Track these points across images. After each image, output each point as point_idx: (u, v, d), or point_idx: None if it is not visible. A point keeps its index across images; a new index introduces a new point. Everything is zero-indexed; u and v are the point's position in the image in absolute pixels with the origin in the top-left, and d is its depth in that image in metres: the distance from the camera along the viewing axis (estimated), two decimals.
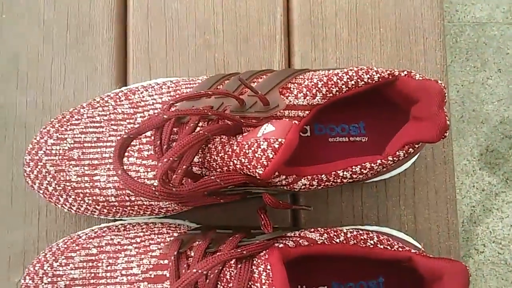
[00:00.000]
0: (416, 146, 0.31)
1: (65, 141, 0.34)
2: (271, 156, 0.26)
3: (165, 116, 0.28)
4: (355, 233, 0.31)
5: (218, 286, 0.28)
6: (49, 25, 0.41)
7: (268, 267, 0.26)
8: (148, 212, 0.35)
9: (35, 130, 0.39)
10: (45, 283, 0.33)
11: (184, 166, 0.28)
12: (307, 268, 0.35)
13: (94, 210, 0.35)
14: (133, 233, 0.34)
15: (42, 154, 0.34)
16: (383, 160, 0.31)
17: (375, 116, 0.37)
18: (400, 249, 0.30)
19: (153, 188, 0.27)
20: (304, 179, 0.30)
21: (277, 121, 0.28)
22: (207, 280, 0.29)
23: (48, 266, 0.33)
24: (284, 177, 0.29)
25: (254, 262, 0.27)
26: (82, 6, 0.42)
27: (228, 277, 0.28)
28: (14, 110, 0.40)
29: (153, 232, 0.34)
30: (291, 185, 0.30)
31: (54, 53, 0.41)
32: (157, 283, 0.31)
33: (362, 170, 0.31)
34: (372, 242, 0.30)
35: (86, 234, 0.34)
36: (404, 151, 0.31)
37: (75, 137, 0.35)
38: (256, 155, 0.27)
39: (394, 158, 0.31)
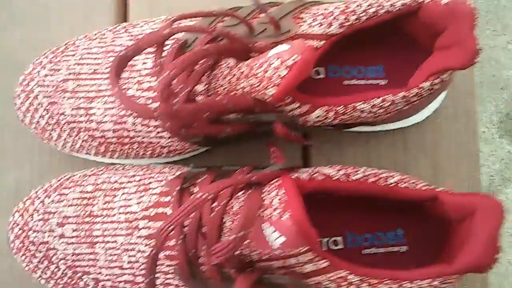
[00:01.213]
0: (442, 77, 0.28)
1: (59, 72, 0.32)
2: (284, 73, 0.24)
3: (165, 32, 0.25)
4: (375, 171, 0.28)
5: (224, 219, 0.26)
6: None
7: (281, 192, 0.24)
8: (149, 153, 0.32)
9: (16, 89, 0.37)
10: (36, 220, 0.30)
11: (188, 88, 0.25)
12: (320, 218, 0.32)
13: (90, 147, 0.32)
14: (132, 172, 0.31)
15: (35, 85, 0.32)
16: (405, 94, 0.28)
17: (394, 58, 0.35)
18: (425, 187, 0.28)
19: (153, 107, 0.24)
20: (319, 110, 0.27)
21: (292, 41, 0.25)
22: (212, 214, 0.26)
23: (40, 203, 0.30)
24: (298, 105, 0.27)
25: (264, 189, 0.25)
26: None
27: (235, 209, 0.26)
28: (7, 47, 0.37)
29: (153, 171, 0.31)
30: (304, 117, 0.27)
31: None
32: (157, 221, 0.29)
33: (383, 103, 0.28)
34: (393, 180, 0.28)
35: (82, 172, 0.32)
36: (429, 83, 0.28)
37: (70, 68, 0.32)
38: (267, 74, 0.24)
39: (418, 91, 0.28)
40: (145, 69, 0.31)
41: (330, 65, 0.35)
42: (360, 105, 0.28)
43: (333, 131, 0.36)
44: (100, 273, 0.30)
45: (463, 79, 0.39)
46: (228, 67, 0.26)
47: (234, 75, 0.26)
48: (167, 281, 0.29)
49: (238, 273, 0.26)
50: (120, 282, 0.30)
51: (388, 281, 0.27)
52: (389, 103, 0.28)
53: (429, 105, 0.35)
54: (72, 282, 0.31)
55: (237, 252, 0.26)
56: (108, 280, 0.30)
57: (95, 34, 0.33)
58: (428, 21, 0.29)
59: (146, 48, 0.26)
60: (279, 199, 0.23)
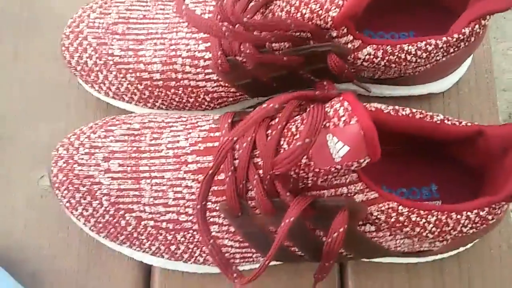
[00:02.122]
0: (483, 22, 0.29)
1: (109, 16, 0.32)
2: None
3: None
4: (421, 110, 0.29)
5: (281, 142, 0.26)
6: None
7: (345, 103, 0.24)
8: (191, 100, 0.33)
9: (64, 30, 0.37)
10: (81, 154, 0.30)
11: (249, 15, 0.26)
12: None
13: (134, 92, 0.32)
14: (177, 115, 0.32)
15: (84, 26, 0.32)
16: (448, 38, 0.30)
17: (424, 25, 0.37)
18: (469, 124, 0.29)
19: (220, 24, 0.25)
20: (370, 47, 0.29)
21: None
22: (268, 138, 0.26)
23: (86, 138, 0.30)
24: (351, 38, 0.28)
25: (327, 104, 0.25)
26: None
27: (293, 130, 0.26)
28: (48, 5, 0.38)
29: (199, 114, 0.31)
30: (356, 53, 0.29)
31: None
32: (206, 155, 0.29)
33: (427, 46, 0.30)
34: (439, 118, 0.29)
35: (127, 114, 0.32)
36: (470, 28, 0.30)
37: (120, 13, 0.33)
38: None
39: (458, 36, 0.30)
40: None
41: (366, 30, 0.36)
42: (406, 46, 0.29)
43: None
44: (143, 211, 0.29)
45: (482, 57, 0.42)
46: (284, 1, 0.28)
47: (293, 4, 0.27)
48: (211, 219, 0.29)
49: (293, 197, 0.26)
50: (163, 221, 0.30)
51: (437, 212, 0.27)
52: (432, 46, 0.30)
53: (454, 72, 0.37)
54: (113, 221, 0.30)
55: (293, 175, 0.26)
56: (151, 219, 0.30)
57: None
58: None
59: None
60: (344, 109, 0.24)
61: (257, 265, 0.33)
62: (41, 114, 0.36)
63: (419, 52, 0.30)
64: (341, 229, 0.25)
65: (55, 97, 0.36)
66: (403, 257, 0.32)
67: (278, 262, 0.33)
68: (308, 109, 0.24)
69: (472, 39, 0.31)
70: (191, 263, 0.31)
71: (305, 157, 0.25)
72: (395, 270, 0.35)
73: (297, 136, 0.25)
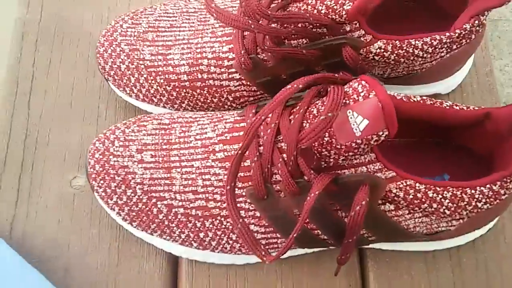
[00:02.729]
0: (481, 18, 0.32)
1: (140, 25, 0.36)
2: None
3: None
4: (430, 98, 0.31)
5: (304, 124, 0.28)
6: None
7: (363, 82, 0.26)
8: (216, 100, 0.35)
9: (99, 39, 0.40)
10: (116, 147, 0.32)
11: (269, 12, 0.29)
12: None
13: (162, 93, 0.35)
14: (203, 112, 0.34)
15: (117, 35, 0.35)
16: (451, 33, 0.33)
17: (426, 29, 0.40)
18: (477, 107, 0.31)
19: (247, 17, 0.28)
20: (380, 42, 0.31)
21: None
22: (291, 122, 0.29)
23: (120, 132, 0.32)
24: (363, 32, 0.31)
25: (346, 86, 0.27)
26: None
27: (315, 112, 0.28)
28: (80, 23, 0.41)
29: (224, 111, 0.34)
30: (367, 47, 0.31)
31: None
32: (232, 144, 0.31)
33: (432, 41, 0.32)
34: (448, 104, 0.31)
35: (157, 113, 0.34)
36: (470, 24, 0.33)
37: (150, 23, 0.36)
38: None
39: (461, 31, 0.33)
40: (217, 22, 0.35)
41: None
42: (413, 41, 0.32)
43: None
44: (174, 198, 0.31)
45: (483, 61, 0.44)
46: (302, 2, 0.31)
47: (310, 3, 0.30)
48: (238, 204, 0.31)
49: (316, 175, 0.28)
50: (192, 208, 0.31)
51: (452, 188, 0.29)
52: (437, 41, 0.32)
53: (457, 73, 0.40)
54: (146, 209, 0.31)
55: (316, 153, 0.28)
56: (181, 206, 0.31)
57: (169, 2, 0.37)
58: None
59: None
60: (363, 86, 0.26)
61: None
62: (73, 119, 0.38)
63: (425, 47, 0.33)
64: (363, 202, 0.27)
65: (86, 104, 0.39)
66: (422, 240, 0.33)
67: (300, 252, 0.35)
68: (329, 89, 0.27)
69: (473, 36, 0.34)
70: (218, 252, 0.33)
71: (327, 135, 0.27)
72: (413, 260, 0.36)
73: (319, 117, 0.28)
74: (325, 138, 0.27)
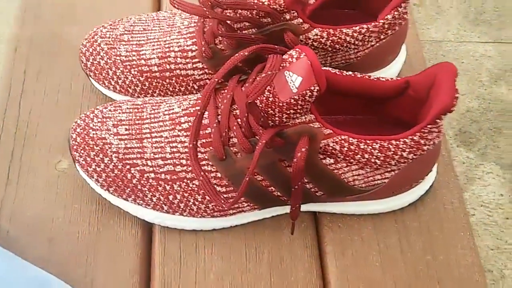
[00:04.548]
0: (400, 10, 0.39)
1: (117, 29, 0.42)
2: None
3: None
4: (360, 73, 0.37)
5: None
6: None
7: (297, 48, 0.32)
8: (183, 88, 0.41)
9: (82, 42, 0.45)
10: (95, 122, 0.37)
11: None
12: None
13: (136, 84, 0.41)
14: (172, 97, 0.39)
15: (98, 37, 0.42)
16: (376, 23, 0.39)
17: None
18: (398, 78, 0.36)
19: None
20: (316, 29, 0.38)
21: None
22: (243, 90, 0.34)
23: (98, 112, 0.38)
24: (301, 21, 0.37)
25: (284, 55, 0.33)
26: None
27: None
28: (68, 38, 0.48)
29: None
30: (306, 34, 0.38)
31: None
32: (194, 116, 0.36)
33: (361, 29, 0.39)
34: (374, 77, 0.37)
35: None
36: (391, 15, 0.39)
37: (126, 28, 0.42)
38: None
39: (385, 22, 0.39)
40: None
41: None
42: (345, 29, 0.38)
43: None
44: (146, 164, 0.36)
45: (416, 57, 0.50)
46: None
47: None
48: (202, 167, 0.35)
49: (263, 130, 0.33)
50: (162, 173, 0.36)
51: (380, 141, 0.34)
52: (365, 29, 0.39)
53: (392, 64, 0.46)
54: (121, 175, 0.36)
55: (263, 113, 0.33)
56: (152, 171, 0.36)
57: (141, 14, 0.44)
58: None
59: None
60: (296, 51, 0.32)
61: (242, 219, 0.38)
62: (58, 115, 0.44)
63: (355, 34, 0.39)
64: (303, 149, 0.32)
65: (70, 102, 0.44)
66: (367, 199, 0.37)
67: (262, 217, 0.39)
68: (269, 56, 0.32)
69: (396, 27, 0.41)
70: (186, 215, 0.37)
71: (271, 95, 0.33)
72: (363, 224, 0.40)
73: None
74: (269, 99, 0.33)
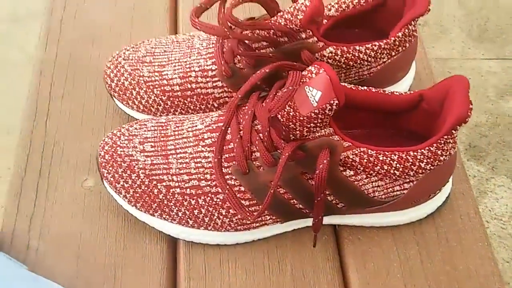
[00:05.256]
0: (410, 28, 0.41)
1: (139, 52, 0.44)
2: (308, 3, 0.37)
3: None
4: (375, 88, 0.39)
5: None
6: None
7: (315, 65, 0.34)
8: (203, 106, 0.42)
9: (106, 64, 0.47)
10: (122, 140, 0.38)
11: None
12: None
13: (159, 103, 0.42)
14: (194, 114, 0.41)
15: (121, 59, 0.44)
16: (387, 40, 0.41)
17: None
18: (412, 91, 0.38)
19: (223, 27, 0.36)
20: (331, 47, 0.39)
21: None
22: (264, 105, 0.35)
23: (125, 130, 0.39)
24: (315, 39, 0.39)
25: (303, 72, 0.35)
26: None
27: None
28: (89, 60, 0.50)
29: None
30: (321, 52, 0.39)
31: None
32: (217, 132, 0.37)
33: (373, 46, 0.40)
34: (389, 91, 0.38)
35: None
36: (401, 33, 0.41)
37: (147, 50, 0.44)
38: (297, 7, 0.38)
39: (395, 39, 0.41)
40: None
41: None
42: (358, 47, 0.40)
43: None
44: (171, 180, 0.37)
45: (424, 73, 0.52)
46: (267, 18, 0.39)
47: (272, 19, 0.39)
48: (227, 181, 0.36)
49: (285, 143, 0.34)
50: (187, 188, 0.37)
51: (398, 152, 0.35)
52: (377, 47, 0.40)
53: (404, 80, 0.48)
54: (148, 190, 0.37)
55: (285, 127, 0.34)
56: (178, 187, 0.37)
57: (162, 36, 0.46)
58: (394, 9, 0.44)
59: (216, 2, 0.39)
60: (315, 67, 0.34)
61: (265, 232, 0.39)
62: (83, 134, 0.45)
63: (368, 51, 0.41)
64: (325, 161, 0.33)
65: (94, 121, 0.46)
66: (384, 210, 0.38)
67: (283, 230, 0.40)
68: (289, 73, 0.34)
69: (407, 44, 0.43)
70: (211, 229, 0.38)
71: (292, 110, 0.34)
72: (382, 236, 0.41)
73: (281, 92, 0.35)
74: (290, 113, 0.34)
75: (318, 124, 0.34)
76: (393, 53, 0.42)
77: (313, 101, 0.33)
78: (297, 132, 0.35)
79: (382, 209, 0.38)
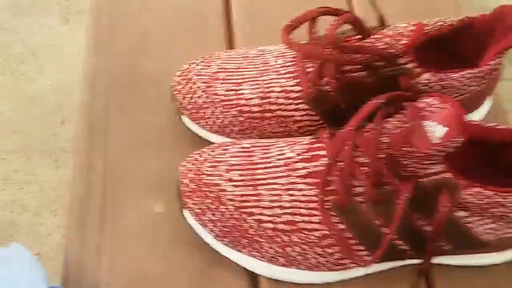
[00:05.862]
0: (502, 55, 0.39)
1: (210, 67, 0.40)
2: (411, 27, 0.35)
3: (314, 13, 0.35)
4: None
5: (380, 138, 0.32)
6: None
7: (434, 97, 0.31)
8: (282, 128, 0.39)
9: (164, 81, 0.43)
10: (207, 166, 0.34)
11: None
12: None
13: (236, 124, 0.39)
14: (275, 139, 0.37)
15: (192, 74, 0.40)
16: (481, 69, 0.39)
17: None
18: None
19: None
20: (428, 74, 0.37)
21: None
22: (370, 137, 0.32)
23: (208, 155, 0.35)
24: (415, 65, 0.36)
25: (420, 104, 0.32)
26: None
27: (389, 127, 0.32)
28: (144, 71, 0.46)
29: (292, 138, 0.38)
30: (417, 78, 0.37)
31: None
32: (313, 162, 0.34)
33: (467, 74, 0.38)
34: (492, 124, 0.36)
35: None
36: (494, 61, 0.39)
37: (219, 65, 0.40)
38: (398, 31, 0.36)
39: (488, 67, 0.39)
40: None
41: None
42: (453, 74, 0.38)
43: None
44: (262, 213, 0.33)
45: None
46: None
47: (369, 41, 0.36)
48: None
49: (400, 181, 0.31)
50: (280, 223, 0.34)
51: None
52: (470, 75, 0.38)
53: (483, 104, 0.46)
54: (237, 224, 0.33)
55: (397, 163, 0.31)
56: (270, 221, 0.33)
57: (230, 50, 0.43)
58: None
59: (304, 22, 0.35)
60: (436, 99, 0.31)
61: (357, 272, 0.36)
62: (147, 152, 0.41)
63: (461, 79, 0.39)
64: (448, 204, 0.31)
65: (158, 138, 0.42)
66: (489, 251, 0.36)
67: (378, 269, 0.37)
68: (405, 104, 0.31)
69: (494, 73, 0.41)
70: (303, 268, 0.34)
71: (407, 145, 0.31)
72: (475, 277, 0.38)
73: (394, 131, 0.32)
74: (403, 148, 0.32)
75: (433, 161, 0.32)
76: (483, 81, 0.41)
77: (435, 137, 0.31)
78: (409, 168, 0.32)
79: (486, 250, 0.36)
